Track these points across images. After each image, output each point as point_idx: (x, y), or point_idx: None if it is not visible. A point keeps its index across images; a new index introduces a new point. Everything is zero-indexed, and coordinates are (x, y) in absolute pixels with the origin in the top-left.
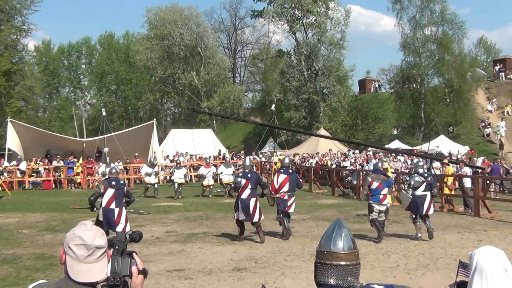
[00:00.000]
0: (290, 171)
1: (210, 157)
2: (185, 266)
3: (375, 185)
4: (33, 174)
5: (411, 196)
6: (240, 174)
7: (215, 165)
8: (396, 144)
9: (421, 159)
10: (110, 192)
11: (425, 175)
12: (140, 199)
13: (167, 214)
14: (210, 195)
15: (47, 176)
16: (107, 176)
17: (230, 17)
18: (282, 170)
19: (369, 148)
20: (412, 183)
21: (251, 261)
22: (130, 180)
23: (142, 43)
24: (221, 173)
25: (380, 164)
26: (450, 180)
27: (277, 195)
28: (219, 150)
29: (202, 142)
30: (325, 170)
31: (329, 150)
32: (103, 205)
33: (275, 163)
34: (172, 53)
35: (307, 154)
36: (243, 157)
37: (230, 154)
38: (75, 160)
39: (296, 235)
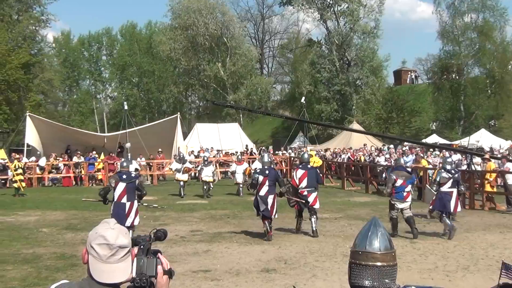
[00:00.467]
0: (309, 166)
1: (237, 152)
2: (211, 267)
3: (399, 182)
4: (53, 170)
5: (435, 192)
6: (258, 171)
7: (248, 162)
8: (433, 139)
9: (449, 154)
10: (121, 186)
11: (453, 171)
12: (171, 198)
13: (192, 213)
14: (241, 194)
15: (67, 173)
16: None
17: (257, 5)
18: (300, 166)
19: (405, 143)
20: (438, 178)
21: (281, 262)
22: (154, 177)
23: (165, 33)
24: (256, 169)
25: (402, 161)
26: (492, 176)
27: (298, 200)
28: (246, 145)
29: (228, 137)
30: (358, 166)
31: (364, 145)
32: (115, 199)
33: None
34: (197, 44)
35: (338, 149)
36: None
37: (258, 150)
38: (96, 156)
39: (327, 234)
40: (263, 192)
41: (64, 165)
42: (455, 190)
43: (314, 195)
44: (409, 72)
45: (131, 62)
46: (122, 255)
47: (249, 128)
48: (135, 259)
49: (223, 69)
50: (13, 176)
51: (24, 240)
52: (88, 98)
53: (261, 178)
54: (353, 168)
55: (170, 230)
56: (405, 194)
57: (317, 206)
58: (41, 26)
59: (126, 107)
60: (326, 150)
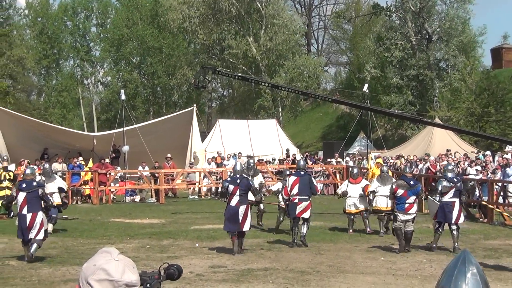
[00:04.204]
0: (302, 173)
1: (274, 160)
2: None
3: (399, 193)
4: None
5: (438, 203)
6: (229, 179)
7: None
8: None
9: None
10: (21, 196)
11: (455, 180)
12: (184, 222)
13: (212, 241)
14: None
15: None
16: None
17: None
18: (294, 172)
19: (508, 148)
20: (440, 188)
21: None
22: (160, 192)
23: None
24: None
25: (408, 170)
26: None
27: (280, 203)
28: (287, 150)
29: (262, 138)
30: None
31: (447, 151)
32: (18, 210)
33: (370, 169)
34: (220, 10)
35: (415, 156)
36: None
37: (303, 156)
38: (83, 163)
39: (398, 274)
40: (233, 202)
41: (40, 174)
42: (457, 200)
43: (305, 203)
44: None
45: (130, 35)
46: None
47: (292, 126)
48: None
49: (256, 45)
50: None
51: None
52: (72, 84)
53: (231, 187)
54: (433, 183)
55: (183, 266)
56: (406, 205)
57: (306, 215)
58: None
59: (123, 97)
60: (398, 158)
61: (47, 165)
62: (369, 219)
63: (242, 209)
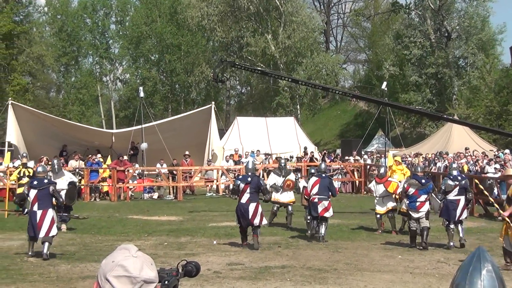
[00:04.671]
0: (324, 175)
1: (292, 157)
2: None
3: (411, 191)
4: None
5: (439, 201)
6: (240, 177)
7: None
8: None
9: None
10: (32, 193)
11: (459, 177)
12: (201, 219)
13: (229, 239)
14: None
15: None
16: None
17: None
18: (315, 173)
19: None
20: (443, 187)
21: None
22: (178, 190)
23: None
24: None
25: (419, 168)
26: None
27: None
28: (305, 148)
29: (280, 135)
30: None
31: (465, 149)
32: (29, 208)
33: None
34: (238, 8)
35: (433, 154)
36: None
37: (321, 154)
38: (101, 160)
39: (416, 272)
40: (244, 199)
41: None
42: (462, 198)
43: (325, 203)
44: None
45: (149, 32)
46: None
47: (310, 124)
48: None
49: (275, 43)
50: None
51: (3, 273)
52: (91, 81)
53: (242, 185)
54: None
55: (200, 263)
56: (418, 204)
57: (327, 215)
58: None
59: (142, 94)
60: (416, 156)
61: (55, 161)
62: (395, 219)
63: (252, 206)
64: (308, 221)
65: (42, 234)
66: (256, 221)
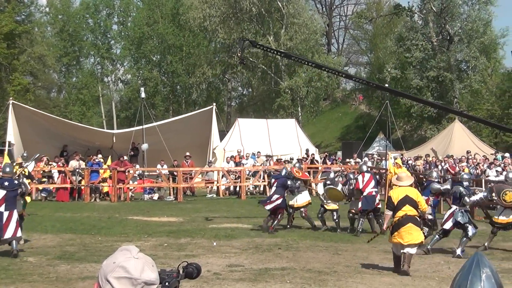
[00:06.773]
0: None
1: (292, 159)
2: None
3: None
4: (44, 179)
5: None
6: (275, 174)
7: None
8: None
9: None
10: (1, 193)
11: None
12: (202, 220)
13: (229, 240)
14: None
15: (62, 183)
16: None
17: None
18: (366, 171)
19: None
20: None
21: None
22: (179, 190)
23: None
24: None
25: (434, 174)
26: None
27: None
28: (307, 150)
29: (281, 137)
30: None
31: (467, 152)
32: None
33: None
34: (240, 10)
35: (434, 157)
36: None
37: (322, 157)
38: (102, 160)
39: (416, 275)
40: (272, 191)
41: (59, 172)
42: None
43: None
44: None
45: (150, 33)
46: None
47: (311, 126)
48: None
49: (276, 45)
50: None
51: (3, 273)
52: (92, 82)
53: (273, 180)
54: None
55: (200, 264)
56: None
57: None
58: None
59: (143, 95)
60: (417, 159)
61: (25, 154)
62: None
63: (274, 197)
64: (356, 217)
65: (8, 235)
66: (268, 207)
